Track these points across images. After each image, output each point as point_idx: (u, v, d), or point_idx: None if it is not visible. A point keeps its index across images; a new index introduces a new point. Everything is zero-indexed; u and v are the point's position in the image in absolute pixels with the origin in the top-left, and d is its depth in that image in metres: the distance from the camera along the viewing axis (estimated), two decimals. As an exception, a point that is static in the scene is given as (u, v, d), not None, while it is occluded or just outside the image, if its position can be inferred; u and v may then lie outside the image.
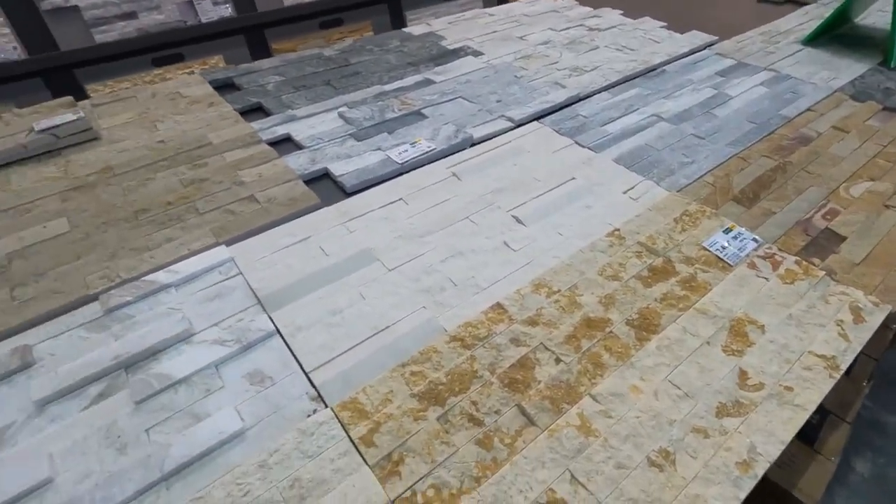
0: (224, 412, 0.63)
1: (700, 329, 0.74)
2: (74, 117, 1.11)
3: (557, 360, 0.70)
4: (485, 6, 3.52)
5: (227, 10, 2.62)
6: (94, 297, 0.79)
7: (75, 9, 2.24)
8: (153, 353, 0.71)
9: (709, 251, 0.87)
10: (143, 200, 0.97)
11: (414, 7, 3.16)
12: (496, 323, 0.75)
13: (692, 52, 1.60)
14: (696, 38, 1.68)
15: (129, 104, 1.30)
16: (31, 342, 0.72)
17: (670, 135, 1.19)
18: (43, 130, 1.09)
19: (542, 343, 0.72)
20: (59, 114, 1.14)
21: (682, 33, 1.72)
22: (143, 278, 0.81)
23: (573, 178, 1.04)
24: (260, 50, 2.77)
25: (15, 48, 2.20)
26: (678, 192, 1.01)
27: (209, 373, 0.68)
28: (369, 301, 0.78)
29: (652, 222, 0.93)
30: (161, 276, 0.81)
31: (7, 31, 2.14)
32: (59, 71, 2.27)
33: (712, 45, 1.65)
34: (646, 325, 0.75)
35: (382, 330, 0.74)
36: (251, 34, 2.68)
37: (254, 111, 1.31)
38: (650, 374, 0.68)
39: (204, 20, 2.57)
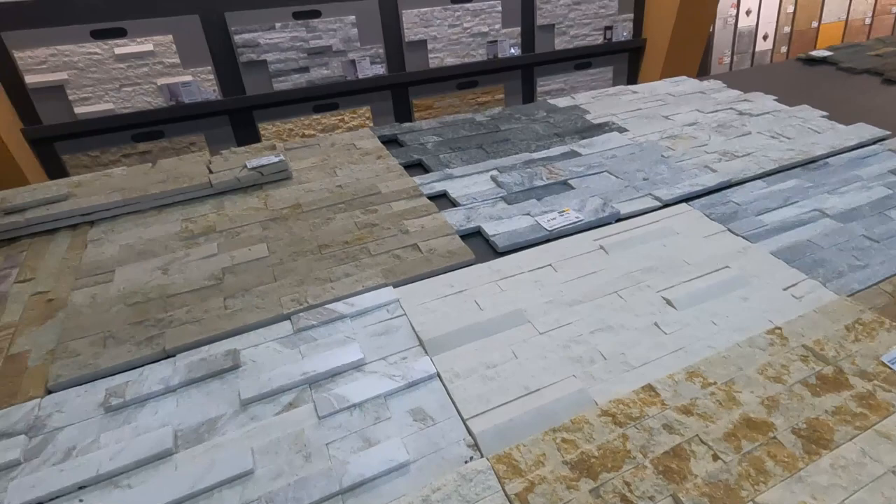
0: (392, 442, 0.70)
1: (883, 455, 0.68)
2: (276, 159, 1.34)
3: (715, 457, 0.68)
4: (614, 80, 3.62)
5: (381, 70, 2.95)
6: (287, 317, 0.92)
7: (263, 62, 2.66)
8: (332, 375, 0.81)
9: (890, 368, 0.80)
10: (326, 237, 1.13)
11: (545, 74, 3.33)
12: (648, 405, 0.75)
13: (860, 145, 1.51)
14: (864, 130, 1.59)
15: (314, 150, 1.52)
16: (239, 347, 0.86)
17: (837, 233, 1.13)
18: (252, 168, 1.32)
19: (697, 435, 0.71)
20: (264, 155, 1.38)
21: (846, 125, 1.63)
22: (325, 306, 0.94)
23: (727, 267, 1.02)
24: (401, 103, 3.08)
25: (214, 90, 2.66)
26: (849, 297, 0.95)
27: (379, 402, 0.76)
28: (521, 361, 0.83)
29: (819, 326, 0.88)
30: (340, 307, 0.94)
31: (212, 77, 2.61)
32: (243, 111, 2.72)
33: (884, 139, 1.55)
34: (815, 438, 0.70)
35: (534, 392, 0.78)
36: (397, 90, 3.00)
37: (415, 166, 1.47)
38: (823, 494, 0.64)
39: (360, 76, 2.92)
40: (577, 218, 1.18)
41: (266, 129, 2.86)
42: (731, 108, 1.79)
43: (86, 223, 1.20)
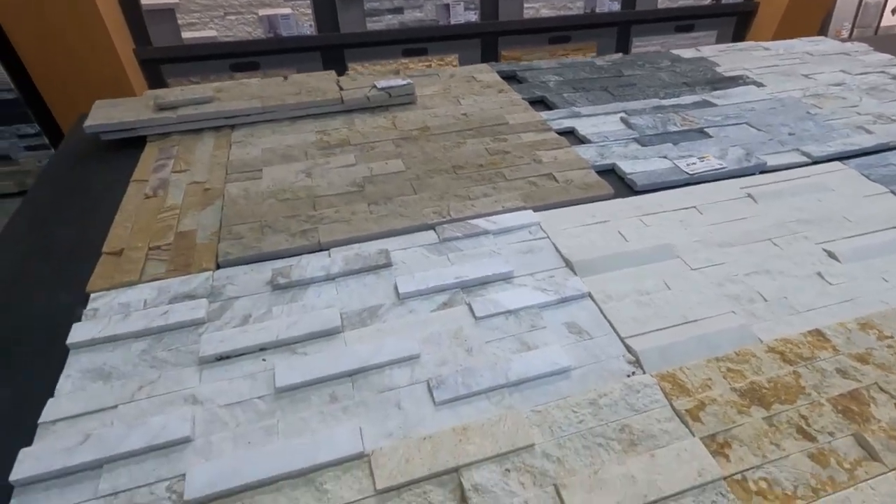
0: (552, 348, 0.71)
1: None
2: (404, 82, 1.34)
3: (898, 406, 0.65)
4: (717, 41, 3.35)
5: (473, 16, 2.86)
6: (431, 227, 0.94)
7: (360, 0, 2.63)
8: (483, 283, 0.82)
9: None
10: (459, 159, 1.12)
11: (642, 34, 3.14)
12: (818, 349, 0.72)
13: None
14: None
15: (433, 80, 1.51)
16: (389, 248, 0.89)
17: None
18: (382, 88, 1.32)
19: (876, 383, 0.67)
20: (391, 78, 1.38)
21: None
22: (468, 220, 0.94)
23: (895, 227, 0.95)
24: (489, 53, 2.99)
25: (310, 25, 2.67)
26: None
27: (533, 312, 0.77)
28: (675, 292, 0.81)
29: None
30: (482, 223, 0.94)
31: (309, 12, 2.62)
32: (335, 49, 2.72)
33: None
34: None
35: (691, 321, 0.76)
36: (487, 39, 2.91)
37: (537, 103, 1.43)
38: None
39: (452, 22, 2.85)
40: (719, 165, 1.12)
41: (355, 69, 2.86)
42: (882, 72, 1.62)
43: (227, 126, 1.25)
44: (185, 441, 0.60)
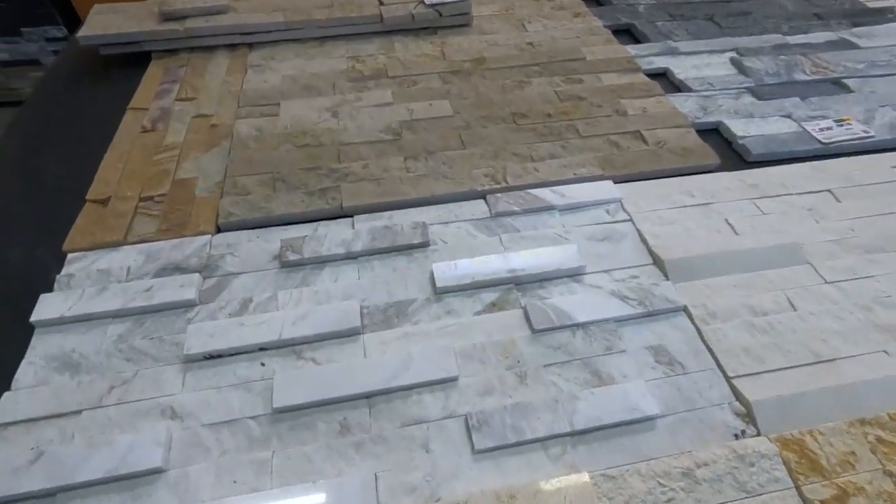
0: (634, 385, 0.54)
1: None
2: (458, -2, 1.08)
3: None
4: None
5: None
6: (481, 195, 0.75)
7: None
8: (544, 280, 0.64)
9: None
10: (521, 104, 0.90)
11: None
12: None
13: None
14: None
15: (493, -4, 1.24)
16: (426, 221, 0.71)
17: None
18: (431, 5, 1.08)
19: None
20: (442, -9, 1.13)
21: None
22: (528, 190, 0.75)
23: None
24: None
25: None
26: None
27: (609, 328, 0.59)
28: (802, 315, 0.61)
29: None
30: (547, 195, 0.74)
31: None
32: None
33: None
34: None
35: (826, 361, 0.56)
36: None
37: (623, 32, 1.15)
38: None
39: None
40: (863, 132, 0.85)
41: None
42: None
43: (244, 44, 1.05)
44: (157, 472, 0.48)
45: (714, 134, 0.88)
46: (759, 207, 0.73)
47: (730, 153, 0.84)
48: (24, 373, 0.55)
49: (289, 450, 0.49)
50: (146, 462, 0.47)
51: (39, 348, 0.58)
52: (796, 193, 0.76)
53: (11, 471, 0.47)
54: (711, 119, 0.88)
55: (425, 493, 0.47)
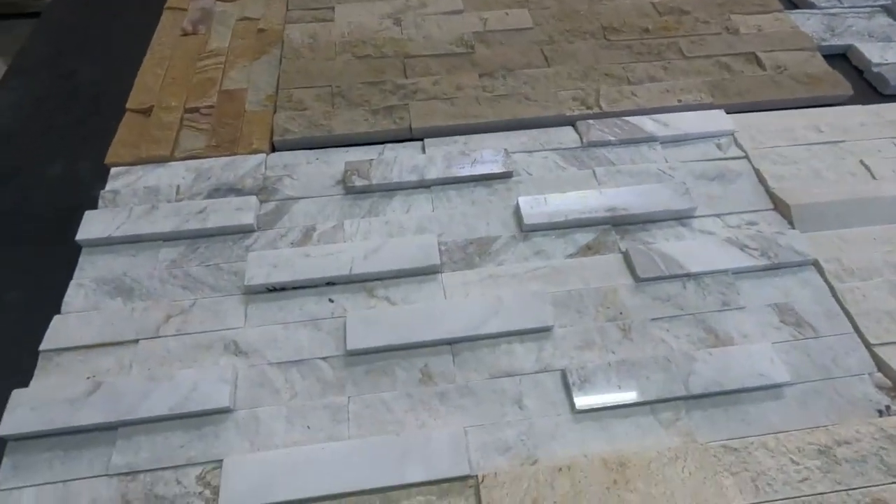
0: (758, 347, 0.46)
1: None
2: None
3: None
4: None
5: None
6: (570, 122, 0.65)
7: None
8: (647, 221, 0.56)
9: None
10: (612, 16, 0.77)
11: None
12: None
13: None
14: None
15: None
16: (508, 148, 0.62)
17: None
18: None
19: None
20: None
21: None
22: (625, 117, 0.65)
23: None
24: None
25: None
26: None
27: (725, 280, 0.51)
28: (957, 276, 0.52)
29: None
30: (646, 123, 0.64)
31: None
32: None
33: None
34: None
35: None
36: None
37: (727, -63, 0.98)
38: None
39: None
40: None
41: None
42: None
43: (290, -61, 0.93)
44: (224, 412, 0.44)
45: (841, 60, 0.74)
46: (900, 148, 0.63)
47: (861, 84, 0.71)
48: (74, 295, 0.51)
49: (365, 396, 0.44)
50: (213, 401, 0.43)
51: (88, 269, 0.53)
52: (945, 134, 0.64)
53: (68, 401, 0.43)
54: (839, 42, 0.74)
55: (521, 453, 0.42)
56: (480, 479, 0.39)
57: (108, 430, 0.43)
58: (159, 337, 0.48)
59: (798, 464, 0.41)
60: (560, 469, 0.40)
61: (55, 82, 0.75)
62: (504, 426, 0.43)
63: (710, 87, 0.67)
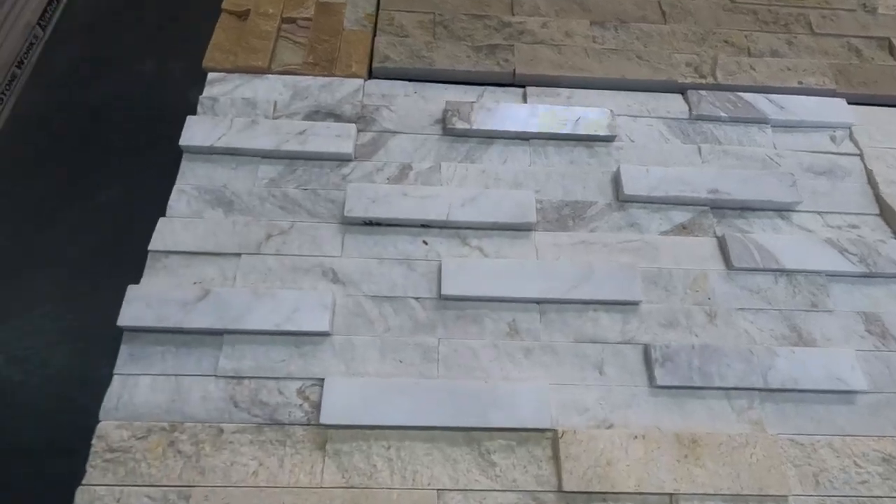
0: (840, 352, 0.47)
1: None
2: None
3: None
4: None
5: None
6: (681, 89, 0.61)
7: None
8: (747, 209, 0.55)
9: None
10: (740, -26, 0.71)
11: None
12: None
13: None
14: None
15: None
16: (614, 109, 0.59)
17: None
18: None
19: None
20: None
21: None
22: (739, 93, 0.61)
23: None
24: None
25: None
26: None
27: (818, 281, 0.51)
28: None
29: None
30: (761, 102, 0.60)
31: None
32: None
33: None
34: None
35: None
36: None
37: None
38: None
39: None
40: None
41: None
42: None
43: None
44: (323, 335, 0.46)
45: (978, 59, 0.69)
46: None
47: None
48: (177, 200, 0.52)
49: (454, 340, 0.46)
50: (314, 324, 0.45)
51: (189, 176, 0.53)
52: None
53: (180, 303, 0.45)
54: (983, 38, 0.69)
55: (598, 415, 0.44)
56: (560, 434, 0.42)
57: (214, 335, 0.46)
58: (260, 254, 0.49)
59: (861, 467, 0.43)
60: (636, 437, 0.43)
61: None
62: (583, 389, 0.45)
63: (834, 72, 0.63)
